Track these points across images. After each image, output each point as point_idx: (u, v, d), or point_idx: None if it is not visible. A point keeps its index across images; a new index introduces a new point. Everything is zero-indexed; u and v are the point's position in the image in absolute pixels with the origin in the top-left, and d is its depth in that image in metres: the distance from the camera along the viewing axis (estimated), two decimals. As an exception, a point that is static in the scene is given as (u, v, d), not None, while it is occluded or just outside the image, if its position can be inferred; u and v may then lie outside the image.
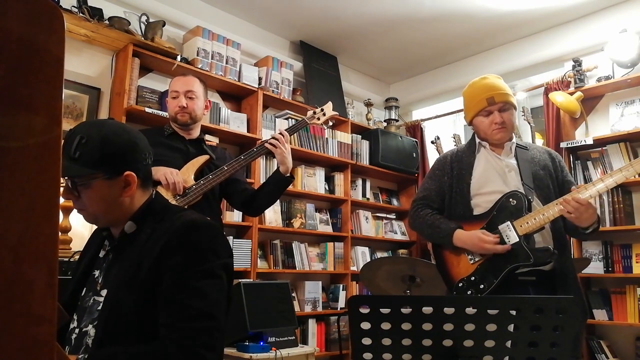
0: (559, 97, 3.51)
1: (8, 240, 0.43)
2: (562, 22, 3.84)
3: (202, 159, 2.15)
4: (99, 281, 1.22)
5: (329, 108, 2.54)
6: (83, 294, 1.24)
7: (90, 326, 1.15)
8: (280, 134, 2.27)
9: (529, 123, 3.85)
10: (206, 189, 2.07)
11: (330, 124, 2.66)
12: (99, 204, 1.18)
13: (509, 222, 1.87)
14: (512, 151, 2.05)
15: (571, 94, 3.54)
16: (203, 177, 2.09)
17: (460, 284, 1.93)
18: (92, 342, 1.12)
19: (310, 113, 2.52)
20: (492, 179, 2.00)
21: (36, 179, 0.45)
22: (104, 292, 1.18)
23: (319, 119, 2.50)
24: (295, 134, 3.86)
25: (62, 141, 1.16)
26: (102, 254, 1.29)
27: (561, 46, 3.84)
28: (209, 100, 2.37)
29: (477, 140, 2.11)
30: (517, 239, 1.84)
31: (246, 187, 2.36)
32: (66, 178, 1.15)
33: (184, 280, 1.10)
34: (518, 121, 4.46)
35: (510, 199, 1.89)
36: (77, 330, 1.18)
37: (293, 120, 3.82)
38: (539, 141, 4.14)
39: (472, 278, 1.91)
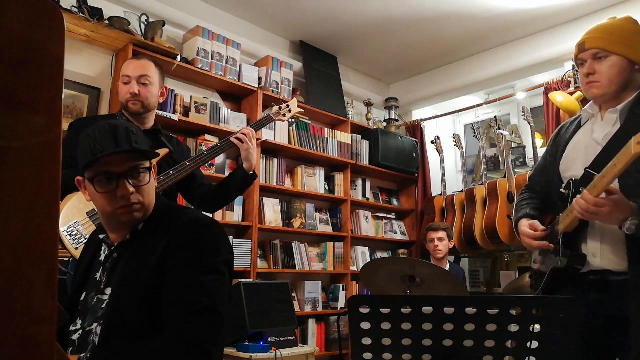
0: (559, 97, 3.51)
1: (8, 240, 0.43)
2: (562, 22, 3.84)
3: (161, 153, 1.95)
4: (103, 280, 1.22)
5: (294, 104, 2.48)
6: (83, 297, 1.24)
7: (95, 325, 1.16)
8: (245, 132, 2.15)
9: (529, 123, 3.85)
10: (167, 186, 1.92)
11: (292, 121, 2.58)
12: (152, 193, 1.22)
13: (559, 216, 1.60)
14: (617, 119, 1.55)
15: (571, 94, 3.53)
16: (163, 173, 1.93)
17: (530, 276, 1.79)
18: (98, 340, 1.12)
19: (275, 109, 2.44)
20: (577, 159, 1.59)
21: (36, 179, 0.45)
22: (108, 291, 1.19)
23: (284, 115, 2.44)
24: (295, 134, 3.87)
25: (111, 132, 1.16)
26: (101, 257, 1.29)
27: (561, 46, 3.84)
28: (166, 87, 2.16)
29: (588, 106, 1.67)
30: (559, 236, 1.57)
31: (203, 182, 2.21)
32: (130, 168, 1.16)
33: (187, 276, 1.12)
34: (518, 121, 4.49)
35: (565, 189, 1.57)
36: (80, 331, 1.18)
37: (293, 120, 3.82)
38: (539, 141, 4.14)
39: (534, 274, 1.74)
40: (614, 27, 1.60)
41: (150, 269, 1.13)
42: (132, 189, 1.16)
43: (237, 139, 2.14)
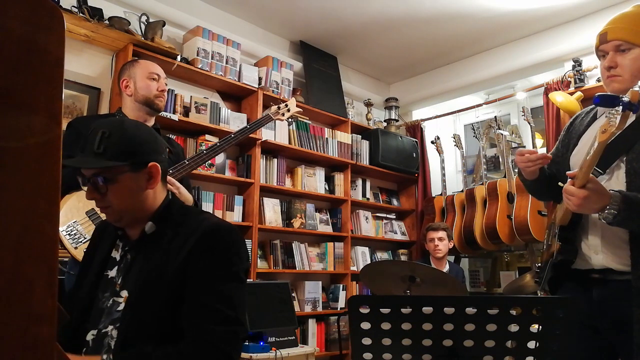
0: (559, 97, 3.50)
1: (8, 240, 0.43)
2: (562, 22, 3.84)
3: None
4: (118, 282, 1.22)
5: (292, 104, 2.51)
6: (99, 295, 1.23)
7: (110, 327, 1.15)
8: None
9: (529, 123, 3.85)
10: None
11: (291, 120, 2.60)
12: (127, 198, 1.18)
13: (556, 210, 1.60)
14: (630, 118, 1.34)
15: (571, 94, 3.53)
16: None
17: (536, 270, 1.70)
18: (115, 343, 1.12)
19: (274, 108, 2.46)
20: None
21: (36, 179, 0.45)
22: (124, 293, 1.18)
23: (283, 114, 2.46)
24: (295, 134, 3.87)
25: (86, 138, 1.15)
26: (115, 254, 1.28)
27: (561, 46, 3.84)
28: None
29: None
30: (555, 229, 1.52)
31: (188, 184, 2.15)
32: (91, 175, 1.14)
33: (211, 283, 1.12)
34: (518, 121, 4.49)
35: (562, 183, 1.48)
36: (94, 332, 1.18)
37: (292, 119, 3.83)
38: (539, 141, 4.14)
39: (538, 266, 1.67)
40: (632, 19, 1.48)
41: (172, 274, 1.13)
42: (95, 194, 1.16)
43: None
